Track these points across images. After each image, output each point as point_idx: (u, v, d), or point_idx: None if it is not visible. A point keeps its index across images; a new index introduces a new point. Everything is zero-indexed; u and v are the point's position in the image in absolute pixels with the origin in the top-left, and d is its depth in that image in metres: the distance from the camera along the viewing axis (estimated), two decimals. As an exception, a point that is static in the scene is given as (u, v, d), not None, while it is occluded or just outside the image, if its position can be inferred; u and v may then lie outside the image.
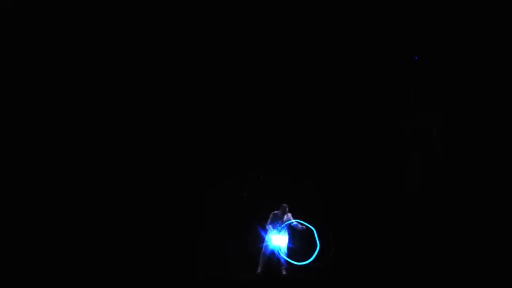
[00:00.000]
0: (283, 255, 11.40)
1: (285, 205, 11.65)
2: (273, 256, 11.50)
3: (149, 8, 12.04)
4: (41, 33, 11.91)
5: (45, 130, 11.99)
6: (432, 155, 12.10)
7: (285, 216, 11.62)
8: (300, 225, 11.48)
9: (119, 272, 11.27)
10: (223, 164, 12.48)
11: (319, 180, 12.48)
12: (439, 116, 12.13)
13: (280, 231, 11.50)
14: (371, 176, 12.34)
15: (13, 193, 11.59)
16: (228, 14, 12.11)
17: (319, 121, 12.69)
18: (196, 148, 12.57)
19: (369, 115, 12.52)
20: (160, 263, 11.80)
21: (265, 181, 12.62)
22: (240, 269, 11.72)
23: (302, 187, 12.46)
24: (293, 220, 11.52)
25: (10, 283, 10.53)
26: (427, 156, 12.14)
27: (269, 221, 11.65)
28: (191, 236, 12.23)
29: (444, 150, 12.02)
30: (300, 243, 11.69)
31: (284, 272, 11.46)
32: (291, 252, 11.54)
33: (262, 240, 11.65)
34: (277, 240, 11.45)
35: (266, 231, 11.61)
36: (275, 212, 11.66)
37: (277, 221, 11.59)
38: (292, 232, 11.61)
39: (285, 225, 11.50)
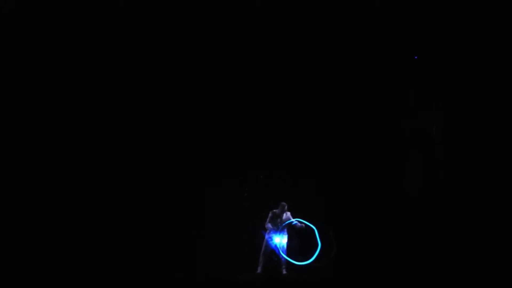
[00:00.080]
0: (283, 254, 11.40)
1: (283, 203, 11.68)
2: (273, 255, 11.51)
3: (149, 8, 12.03)
4: (41, 33, 11.90)
5: (45, 130, 11.98)
6: (432, 155, 12.10)
7: (284, 214, 11.64)
8: (299, 224, 11.49)
9: (119, 272, 11.27)
10: (223, 164, 12.48)
11: (319, 180, 12.48)
12: (439, 116, 12.12)
13: (280, 230, 11.51)
14: (371, 176, 12.34)
15: (13, 193, 11.58)
16: (228, 14, 12.10)
17: (319, 121, 12.69)
18: (196, 148, 12.57)
19: (369, 115, 12.51)
20: (160, 263, 11.80)
21: (265, 181, 12.62)
22: (240, 269, 11.72)
23: (302, 187, 12.46)
24: (293, 220, 11.52)
25: (10, 283, 10.52)
26: (427, 156, 12.13)
27: (268, 220, 11.66)
28: (191, 236, 12.23)
29: (444, 150, 12.02)
30: (299, 242, 11.69)
31: (284, 272, 11.46)
32: (291, 251, 11.54)
33: (262, 239, 11.66)
34: (277, 239, 11.45)
35: (265, 230, 11.62)
36: (274, 211, 11.68)
37: (276, 220, 11.60)
38: (292, 231, 11.61)
39: (285, 224, 11.51)
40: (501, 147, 11.55)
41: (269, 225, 11.60)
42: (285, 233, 11.59)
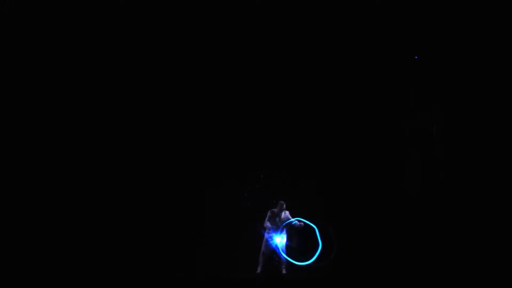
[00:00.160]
0: (283, 254, 11.40)
1: (282, 202, 11.70)
2: (273, 255, 11.51)
3: (149, 8, 12.03)
4: (41, 33, 11.90)
5: (45, 130, 11.98)
6: (432, 155, 12.09)
7: (283, 213, 11.66)
8: (298, 223, 11.49)
9: (119, 272, 11.27)
10: (223, 164, 12.48)
11: (319, 180, 12.48)
12: (439, 116, 12.12)
13: (280, 230, 11.51)
14: (371, 176, 12.34)
15: (13, 193, 11.58)
16: (228, 14, 12.10)
17: (319, 121, 12.69)
18: (196, 148, 12.57)
19: (369, 115, 12.51)
20: (160, 263, 11.81)
21: (265, 181, 12.62)
22: (240, 269, 11.72)
23: (302, 187, 12.46)
24: (293, 219, 11.53)
25: (10, 283, 10.52)
26: (427, 156, 12.13)
27: (267, 219, 11.67)
28: (191, 236, 12.23)
29: (444, 150, 12.02)
30: (300, 242, 11.69)
31: (284, 271, 11.46)
32: (291, 251, 11.54)
33: (261, 239, 11.66)
34: (277, 239, 11.45)
35: (265, 229, 11.62)
36: (273, 210, 11.70)
37: (275, 219, 11.61)
38: (291, 230, 11.61)
39: (285, 223, 11.51)
40: (501, 147, 11.55)
41: (268, 224, 11.60)
42: (285, 233, 11.59)
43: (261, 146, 12.54)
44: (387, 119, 12.43)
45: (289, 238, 11.61)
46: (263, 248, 11.61)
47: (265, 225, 11.63)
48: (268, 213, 11.71)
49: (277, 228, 11.55)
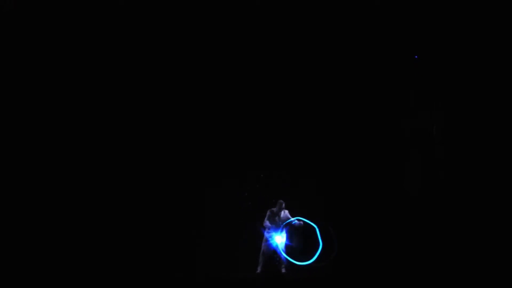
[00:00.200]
0: (284, 254, 11.40)
1: (281, 201, 11.71)
2: (274, 255, 11.51)
3: (149, 8, 12.02)
4: (41, 33, 11.89)
5: (45, 130, 11.98)
6: (432, 155, 12.09)
7: (282, 212, 11.67)
8: (298, 222, 11.49)
9: (119, 272, 11.27)
10: (223, 164, 12.48)
11: (319, 180, 12.48)
12: (439, 116, 12.12)
13: (281, 229, 11.51)
14: (371, 176, 12.34)
15: (13, 193, 11.58)
16: (228, 14, 12.10)
17: (319, 121, 12.69)
18: (196, 148, 12.57)
19: (369, 115, 12.51)
20: (160, 263, 11.80)
21: (265, 180, 12.62)
22: (240, 269, 11.72)
23: (302, 187, 12.46)
24: (293, 219, 11.53)
25: (10, 283, 10.52)
26: (427, 156, 12.13)
27: (266, 218, 11.68)
28: (191, 236, 12.23)
29: (444, 150, 12.01)
30: (299, 241, 11.69)
31: (283, 270, 11.45)
32: (292, 251, 11.54)
33: (261, 239, 11.66)
34: (277, 238, 11.45)
35: (264, 228, 11.62)
36: (272, 209, 11.71)
37: (274, 218, 11.61)
38: (292, 230, 11.61)
39: (286, 223, 11.51)
40: (501, 147, 11.55)
41: (267, 223, 11.61)
42: (286, 232, 11.59)
43: (261, 146, 12.53)
44: (387, 119, 12.42)
45: (289, 238, 11.61)
46: (263, 247, 11.62)
47: (264, 224, 11.64)
48: (268, 212, 11.72)
49: (276, 227, 11.55)
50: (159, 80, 12.45)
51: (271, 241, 11.51)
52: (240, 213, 12.24)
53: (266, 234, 11.61)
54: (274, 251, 11.51)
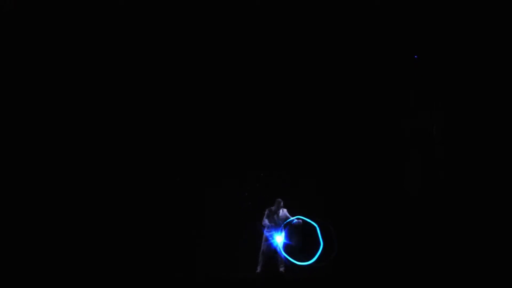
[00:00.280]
0: (284, 253, 11.40)
1: (279, 199, 11.71)
2: (274, 254, 11.51)
3: (149, 8, 12.02)
4: (41, 33, 11.89)
5: (45, 130, 11.98)
6: (432, 155, 12.09)
7: (281, 211, 11.67)
8: (296, 221, 11.50)
9: (119, 272, 11.27)
10: (223, 164, 12.48)
11: (319, 180, 12.48)
12: (439, 116, 12.12)
13: (280, 229, 11.51)
14: (371, 176, 12.34)
15: (13, 193, 11.58)
16: (228, 14, 12.10)
17: (319, 121, 12.69)
18: (196, 148, 12.57)
19: (369, 115, 12.51)
20: (160, 263, 11.81)
21: (265, 180, 12.63)
22: (240, 269, 11.72)
23: (302, 187, 12.46)
24: (293, 218, 11.54)
25: (10, 283, 10.53)
26: (427, 156, 12.13)
27: (265, 217, 11.68)
28: (191, 236, 12.24)
29: (444, 150, 12.02)
30: (300, 240, 11.69)
31: (284, 270, 11.45)
32: (292, 250, 11.54)
33: (261, 239, 11.67)
34: (278, 238, 11.45)
35: (263, 227, 11.63)
36: (271, 208, 11.71)
37: (273, 217, 11.62)
38: (292, 229, 11.61)
39: (286, 222, 11.51)
40: (501, 147, 11.55)
41: (266, 222, 11.61)
42: (286, 232, 11.59)
43: (261, 146, 12.53)
44: (387, 119, 12.42)
45: (289, 237, 11.61)
46: (263, 247, 11.62)
47: (263, 223, 11.64)
48: (266, 211, 11.73)
49: (275, 226, 11.55)
50: (159, 80, 12.45)
51: (272, 241, 11.51)
52: (240, 213, 12.25)
53: (266, 234, 11.60)
54: (274, 251, 11.51)
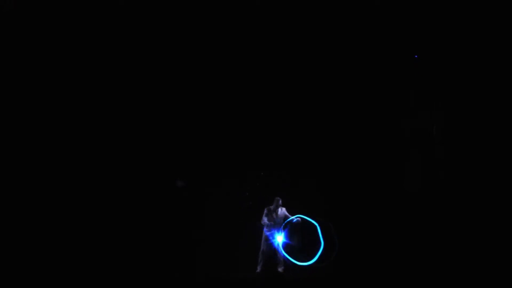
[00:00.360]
0: (284, 253, 11.40)
1: (277, 198, 11.73)
2: (274, 254, 11.52)
3: (149, 8, 12.02)
4: (41, 33, 11.89)
5: (45, 130, 11.98)
6: (432, 155, 12.10)
7: (279, 210, 11.69)
8: (298, 219, 11.51)
9: (119, 272, 11.27)
10: (223, 164, 12.48)
11: (319, 180, 12.48)
12: (439, 116, 12.12)
13: (281, 228, 11.52)
14: (371, 176, 12.34)
15: (13, 193, 11.58)
16: (228, 14, 12.09)
17: (319, 121, 12.69)
18: (196, 148, 12.57)
19: (369, 115, 12.51)
20: (160, 263, 11.81)
21: (265, 179, 12.63)
22: (240, 269, 11.73)
23: (302, 187, 12.47)
24: (293, 217, 11.54)
25: (10, 283, 10.54)
26: (427, 156, 12.13)
27: (263, 215, 11.69)
28: (191, 236, 12.24)
29: (444, 150, 12.02)
30: (300, 240, 11.70)
31: (284, 270, 11.45)
32: (292, 250, 11.54)
33: (261, 238, 11.67)
34: (279, 238, 11.46)
35: (262, 226, 11.64)
36: (269, 207, 11.72)
37: (271, 215, 11.62)
38: (292, 229, 11.62)
39: (286, 222, 11.52)
40: (501, 147, 11.55)
41: (265, 220, 11.62)
42: (286, 231, 11.59)
43: (261, 146, 12.54)
44: (387, 119, 12.42)
45: (290, 237, 11.61)
46: (262, 246, 11.62)
47: (262, 222, 11.65)
48: (265, 210, 11.74)
49: (274, 225, 11.56)
50: (159, 80, 12.45)
51: (272, 240, 11.51)
52: (240, 213, 12.25)
53: (266, 233, 11.61)
54: (274, 250, 11.51)
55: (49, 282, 10.72)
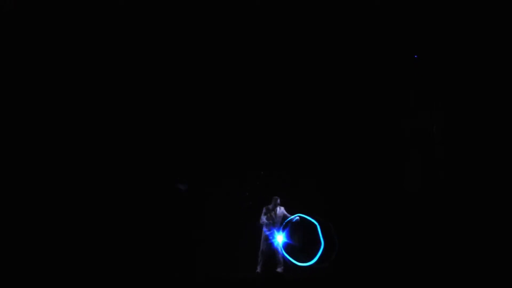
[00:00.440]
0: (285, 253, 11.40)
1: (276, 197, 11.73)
2: (274, 253, 11.52)
3: (149, 8, 12.02)
4: (41, 33, 11.89)
5: (45, 130, 11.98)
6: (432, 155, 12.10)
7: (278, 209, 11.69)
8: (298, 218, 11.51)
9: (119, 272, 11.27)
10: (223, 164, 12.48)
11: (319, 180, 12.48)
12: (439, 116, 12.12)
13: (281, 228, 11.52)
14: (371, 176, 12.34)
15: (13, 193, 11.58)
16: (228, 14, 12.10)
17: (319, 121, 12.70)
18: (196, 148, 12.57)
19: (369, 115, 12.51)
20: (160, 263, 11.81)
21: (265, 178, 12.64)
22: (240, 269, 11.73)
23: (302, 187, 12.47)
24: (294, 216, 11.55)
25: (10, 283, 10.54)
26: (427, 156, 12.13)
27: (262, 215, 11.69)
28: (191, 236, 12.24)
29: (444, 150, 12.02)
30: (299, 239, 11.70)
31: (283, 270, 11.45)
32: (292, 249, 11.54)
33: (261, 238, 11.68)
34: (279, 238, 11.46)
35: (261, 225, 11.64)
36: (268, 206, 11.73)
37: (270, 215, 11.63)
38: (292, 228, 11.62)
39: (286, 221, 11.52)
40: (501, 147, 11.55)
41: (264, 220, 11.62)
42: (286, 231, 11.59)
43: (261, 146, 12.54)
44: (387, 119, 12.42)
45: (290, 237, 11.61)
46: (262, 246, 11.62)
47: (261, 221, 11.65)
48: (263, 210, 11.74)
49: (273, 224, 11.56)
50: (159, 80, 12.45)
51: (272, 240, 11.51)
52: (240, 213, 12.25)
53: (266, 232, 11.61)
54: (274, 250, 11.51)
55: (49, 282, 10.71)
